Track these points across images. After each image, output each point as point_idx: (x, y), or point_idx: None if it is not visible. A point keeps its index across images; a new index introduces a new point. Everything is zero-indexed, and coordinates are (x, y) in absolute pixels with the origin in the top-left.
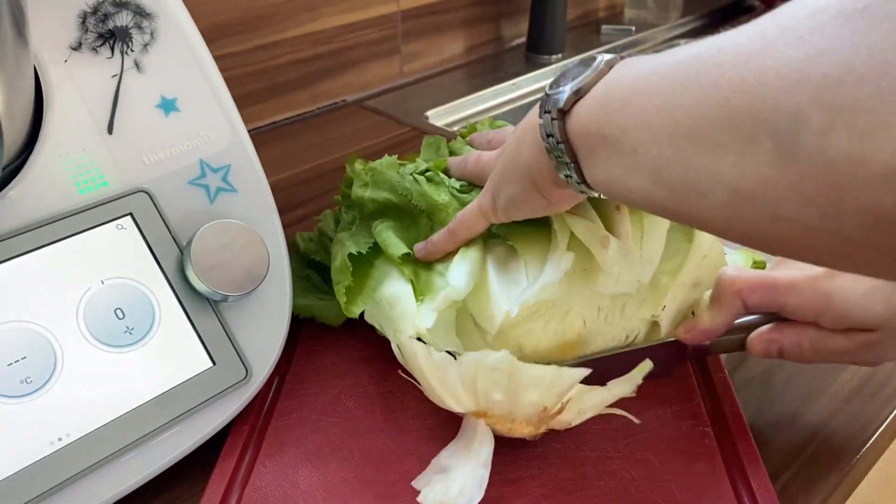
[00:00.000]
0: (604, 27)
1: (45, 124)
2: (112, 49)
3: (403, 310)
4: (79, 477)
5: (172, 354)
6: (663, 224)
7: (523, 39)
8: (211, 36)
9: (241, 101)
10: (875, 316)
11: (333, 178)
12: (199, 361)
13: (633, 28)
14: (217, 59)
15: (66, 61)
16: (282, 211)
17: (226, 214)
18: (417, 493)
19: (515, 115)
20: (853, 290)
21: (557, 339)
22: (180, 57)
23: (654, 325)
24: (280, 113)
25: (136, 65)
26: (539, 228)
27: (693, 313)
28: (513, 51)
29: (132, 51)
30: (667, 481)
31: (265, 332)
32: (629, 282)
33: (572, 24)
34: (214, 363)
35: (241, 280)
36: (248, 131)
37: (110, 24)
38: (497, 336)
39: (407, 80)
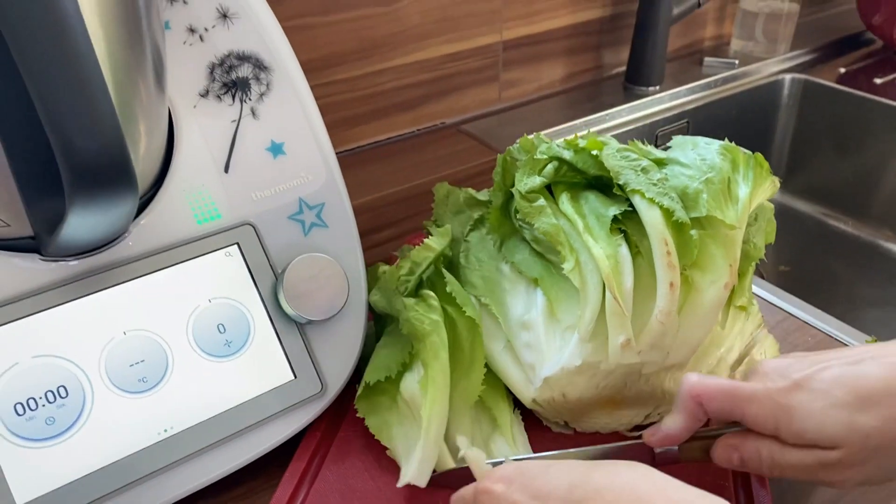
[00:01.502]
0: (706, 59)
1: (174, 162)
2: (233, 97)
3: None
4: (178, 463)
5: (261, 366)
6: (709, 314)
7: (623, 69)
8: (326, 64)
9: (348, 123)
10: (833, 434)
11: (424, 200)
12: (283, 374)
13: (737, 62)
14: (330, 84)
15: (195, 107)
16: (373, 230)
17: (317, 247)
18: None
19: None
20: (812, 405)
21: (599, 393)
22: (290, 106)
23: None
24: (382, 133)
25: (252, 112)
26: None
27: None
28: (612, 80)
29: (250, 99)
30: None
31: (341, 352)
32: (659, 360)
33: (676, 54)
34: (296, 377)
35: (323, 307)
36: (352, 150)
37: (233, 75)
38: (544, 383)
39: (504, 106)
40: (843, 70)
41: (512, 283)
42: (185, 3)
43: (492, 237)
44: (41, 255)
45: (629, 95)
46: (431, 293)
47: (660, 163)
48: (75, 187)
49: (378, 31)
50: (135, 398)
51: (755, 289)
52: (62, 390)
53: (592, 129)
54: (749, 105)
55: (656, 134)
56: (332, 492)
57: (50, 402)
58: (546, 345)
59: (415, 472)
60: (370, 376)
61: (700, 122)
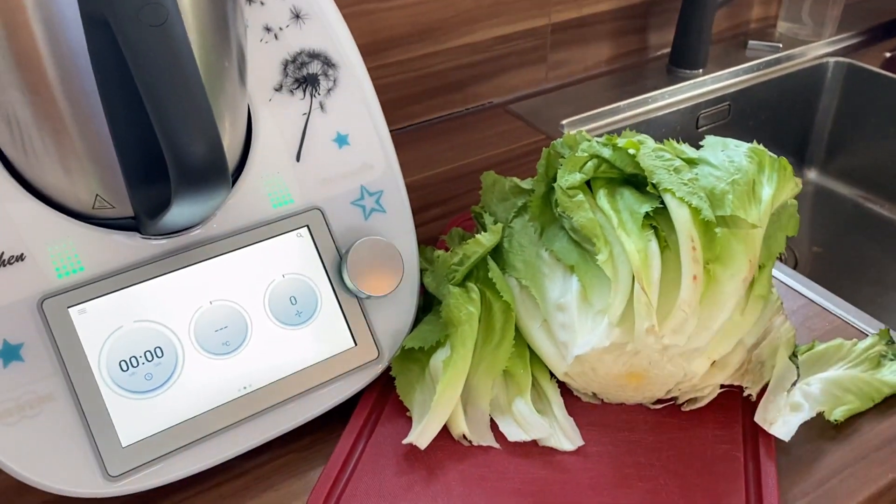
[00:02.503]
0: (750, 42)
1: (253, 151)
2: (304, 92)
3: None
4: (255, 416)
5: (327, 334)
6: (729, 299)
7: (668, 50)
8: (383, 47)
9: (402, 102)
10: None
11: (470, 180)
12: (346, 341)
13: (781, 45)
14: (385, 66)
15: (270, 100)
16: (422, 208)
17: (376, 230)
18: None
19: (650, 128)
20: None
21: (626, 370)
22: (354, 101)
23: (713, 366)
24: (433, 112)
25: (321, 106)
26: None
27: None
28: (656, 61)
29: (319, 94)
30: (693, 493)
31: (395, 324)
32: (681, 344)
33: (721, 36)
34: (356, 344)
35: (381, 285)
36: (404, 128)
37: (305, 72)
38: (576, 359)
39: (551, 86)
40: (888, 54)
41: (550, 269)
42: (262, 3)
43: (533, 225)
44: (140, 233)
45: (672, 78)
46: (474, 286)
47: (691, 162)
48: (181, 184)
49: (432, 16)
50: (219, 359)
51: (779, 275)
52: (158, 351)
53: (635, 112)
54: (791, 89)
55: (698, 116)
56: (387, 445)
57: (148, 361)
58: (579, 325)
59: (418, 435)
60: (408, 342)
61: (741, 105)
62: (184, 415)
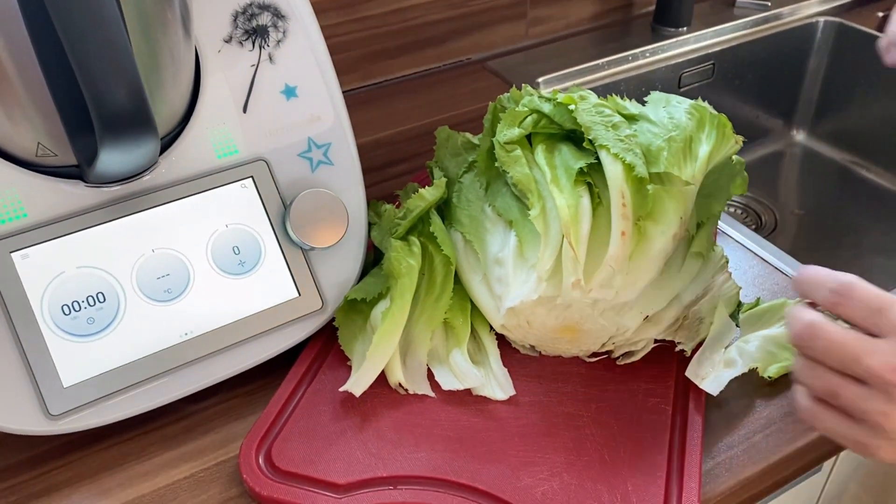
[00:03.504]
0: (738, 0)
1: (200, 101)
2: (253, 43)
3: None
4: (196, 361)
5: (270, 284)
6: (659, 255)
7: (653, 8)
8: (356, 0)
9: (376, 57)
10: None
11: None
12: (289, 291)
13: (770, 3)
14: (360, 20)
15: (219, 51)
16: (390, 163)
17: (322, 182)
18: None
19: (630, 87)
20: None
21: (559, 323)
22: (304, 53)
23: (646, 321)
24: (409, 68)
25: (270, 57)
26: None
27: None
28: (641, 19)
29: (268, 45)
30: (618, 442)
31: (340, 276)
32: (609, 298)
33: None
34: (300, 294)
35: (325, 237)
36: (379, 83)
37: (254, 23)
38: (509, 311)
39: (531, 43)
40: (881, 14)
41: (493, 224)
42: None
43: (479, 180)
44: (84, 181)
45: (656, 36)
46: (416, 240)
47: (631, 118)
48: (104, 131)
49: None
50: (161, 306)
51: (735, 234)
52: (100, 296)
53: (615, 70)
54: (779, 48)
55: (680, 75)
56: (325, 392)
57: (90, 306)
58: (513, 279)
59: (353, 382)
60: (351, 294)
61: (726, 64)
62: (125, 358)
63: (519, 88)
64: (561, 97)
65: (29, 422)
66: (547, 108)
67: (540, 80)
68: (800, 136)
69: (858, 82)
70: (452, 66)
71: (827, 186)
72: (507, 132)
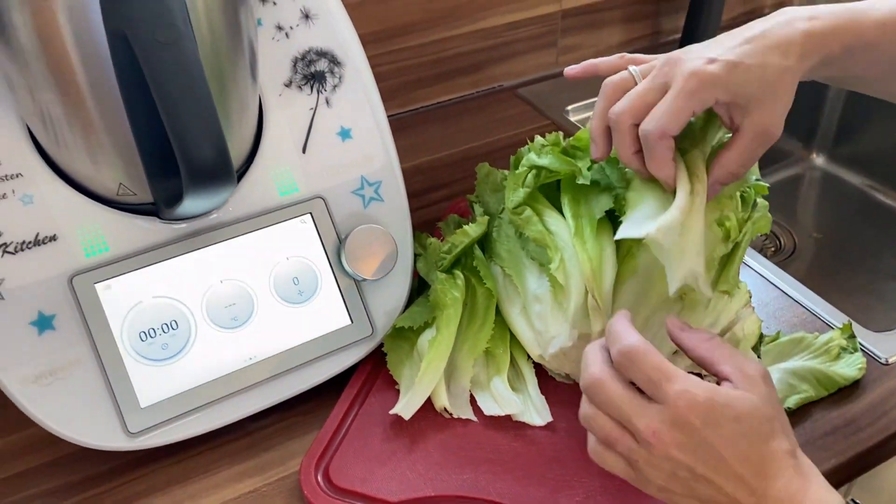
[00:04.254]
0: None
1: (263, 143)
2: (311, 88)
3: None
4: (259, 384)
5: (325, 312)
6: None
7: (679, 35)
8: (398, 33)
9: (414, 85)
10: None
11: (474, 164)
12: (342, 319)
13: None
14: (400, 51)
15: (280, 95)
16: (428, 190)
17: (374, 218)
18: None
19: None
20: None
21: None
22: (358, 97)
23: (675, 354)
24: (444, 95)
25: (327, 101)
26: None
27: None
28: (668, 46)
29: (325, 90)
30: None
31: (389, 304)
32: None
33: (734, 21)
34: (352, 321)
35: (376, 269)
36: (416, 110)
37: (312, 69)
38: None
39: (561, 69)
40: None
41: (530, 261)
42: (274, 3)
43: (513, 226)
44: (160, 218)
45: None
46: (460, 273)
47: None
48: (191, 183)
49: (444, 3)
50: (228, 332)
51: (756, 265)
52: (174, 324)
53: None
54: None
55: None
56: (376, 414)
57: (165, 333)
58: (552, 318)
59: (403, 406)
60: (399, 322)
61: None
62: (195, 381)
63: (548, 116)
64: (565, 141)
65: (110, 438)
66: (545, 161)
67: (569, 107)
68: (819, 159)
69: (877, 108)
70: (485, 94)
71: (845, 210)
72: (513, 197)
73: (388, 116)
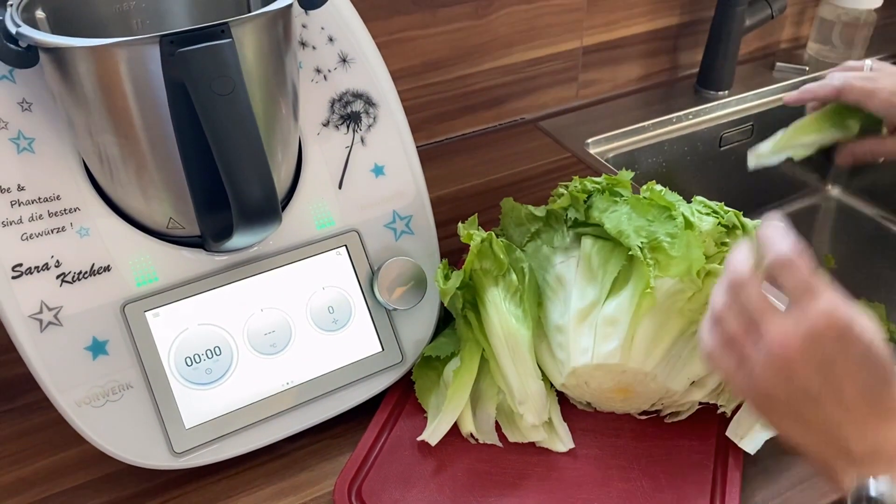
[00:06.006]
0: (778, 64)
1: (302, 179)
2: (348, 127)
3: None
4: (296, 407)
5: (358, 340)
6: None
7: (696, 70)
8: (425, 69)
9: (440, 118)
10: None
11: (498, 195)
12: (374, 346)
13: (808, 68)
14: (426, 86)
15: (318, 134)
16: (452, 220)
17: (404, 250)
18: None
19: (673, 147)
20: None
21: (615, 385)
22: (391, 136)
23: (692, 385)
24: (469, 127)
25: (362, 140)
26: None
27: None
28: (685, 80)
29: (360, 129)
30: (665, 494)
31: (418, 333)
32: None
33: (751, 56)
34: (383, 349)
35: (407, 299)
36: (441, 141)
37: (349, 109)
38: (571, 373)
39: (581, 103)
40: None
41: (553, 292)
42: (314, 48)
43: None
44: (206, 250)
45: (699, 99)
46: (472, 317)
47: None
48: (241, 221)
49: (470, 41)
50: (267, 358)
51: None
52: (217, 350)
53: (658, 132)
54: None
55: (721, 136)
56: (405, 438)
57: (209, 358)
58: (573, 346)
59: (430, 433)
60: (427, 351)
61: (765, 125)
62: (236, 404)
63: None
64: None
65: (157, 457)
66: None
67: (589, 140)
68: (835, 191)
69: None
70: (508, 126)
71: (860, 241)
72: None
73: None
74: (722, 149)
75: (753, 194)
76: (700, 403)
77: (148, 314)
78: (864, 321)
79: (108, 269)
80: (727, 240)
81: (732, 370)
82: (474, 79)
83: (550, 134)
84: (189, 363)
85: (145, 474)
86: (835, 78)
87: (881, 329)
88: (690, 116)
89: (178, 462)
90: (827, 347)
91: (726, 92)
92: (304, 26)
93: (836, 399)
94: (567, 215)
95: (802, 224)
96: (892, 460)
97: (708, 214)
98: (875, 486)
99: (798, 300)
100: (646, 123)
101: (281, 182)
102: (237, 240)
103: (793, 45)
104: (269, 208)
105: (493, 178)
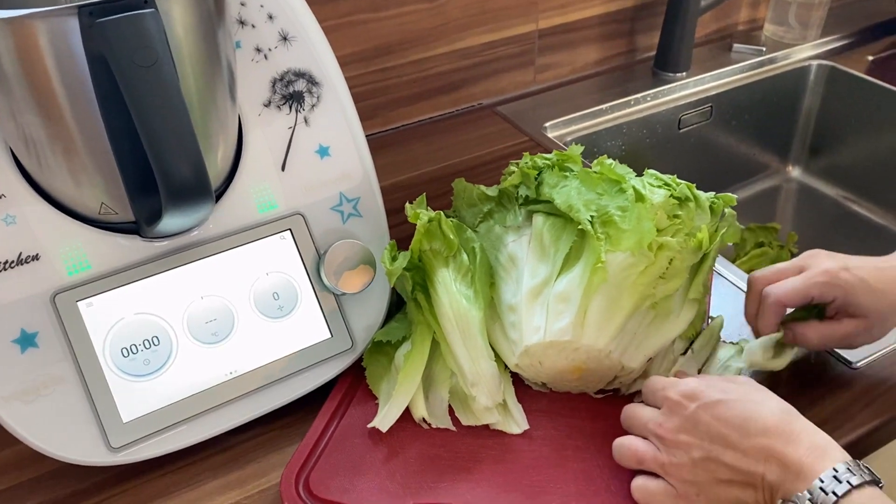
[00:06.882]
0: (735, 46)
1: (242, 161)
2: (290, 107)
3: None
4: (241, 398)
5: (306, 326)
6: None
7: (654, 53)
8: (377, 53)
9: (395, 104)
10: (867, 307)
11: (454, 180)
12: (322, 333)
13: (765, 48)
14: (379, 71)
15: (259, 115)
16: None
17: (352, 233)
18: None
19: (631, 130)
20: (857, 287)
21: (569, 363)
22: (335, 115)
23: (651, 361)
24: (425, 113)
25: (305, 120)
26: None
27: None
28: (642, 63)
29: (303, 109)
30: (622, 473)
31: (368, 318)
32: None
33: (707, 38)
34: (332, 335)
35: (355, 283)
36: (396, 128)
37: (291, 89)
38: (524, 353)
39: (538, 88)
40: (871, 58)
41: (506, 271)
42: (253, 27)
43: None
44: (141, 236)
45: (657, 81)
46: (423, 300)
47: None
48: (169, 201)
49: (422, 25)
50: (209, 347)
51: (729, 275)
52: (155, 339)
53: (617, 114)
54: (774, 90)
55: (679, 117)
56: (356, 426)
57: (146, 349)
58: (525, 325)
59: (380, 419)
60: (378, 337)
61: (724, 106)
62: (177, 395)
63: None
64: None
65: (93, 454)
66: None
67: (547, 124)
68: (795, 172)
69: (850, 122)
70: (465, 112)
71: (822, 220)
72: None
73: (370, 135)
74: (681, 131)
75: (714, 177)
76: None
77: (80, 304)
78: (708, 377)
79: (36, 257)
80: (680, 212)
81: (665, 490)
82: (428, 64)
83: (508, 119)
84: (126, 354)
85: (83, 472)
86: (768, 302)
87: None
88: (648, 98)
89: (116, 458)
90: (688, 409)
91: (684, 74)
92: (242, 4)
93: (726, 445)
94: (518, 193)
95: (765, 205)
96: (800, 479)
97: (660, 187)
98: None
99: (658, 398)
100: (604, 106)
101: (219, 164)
102: (169, 222)
103: (750, 26)
104: (198, 186)
105: (450, 164)
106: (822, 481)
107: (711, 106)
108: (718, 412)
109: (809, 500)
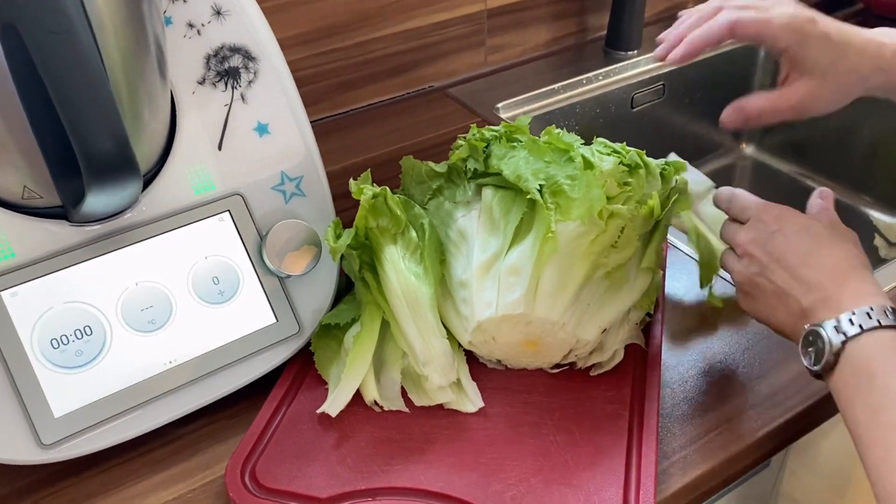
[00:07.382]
0: None
1: (176, 141)
2: (226, 84)
3: None
4: (182, 387)
5: (249, 311)
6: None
7: (605, 32)
8: (323, 34)
9: (343, 87)
10: (820, 65)
11: None
12: (267, 318)
13: None
14: (326, 53)
15: (193, 93)
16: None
17: (296, 213)
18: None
19: (584, 109)
20: (812, 41)
21: (523, 338)
22: (274, 92)
23: (606, 332)
24: (375, 96)
25: (242, 97)
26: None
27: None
28: (594, 43)
29: (240, 86)
30: (580, 447)
31: (315, 301)
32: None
33: (658, 16)
34: (277, 320)
35: (299, 265)
36: (346, 112)
37: (226, 65)
38: (476, 329)
39: (490, 69)
40: None
41: (456, 248)
42: (184, 1)
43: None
44: (69, 221)
45: (608, 60)
46: (371, 279)
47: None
48: (91, 178)
49: (368, 4)
50: (145, 336)
51: (685, 248)
52: (87, 329)
53: (569, 94)
54: (725, 68)
55: (632, 96)
56: (305, 413)
57: (78, 339)
58: (476, 300)
59: (329, 404)
60: (325, 319)
61: (676, 84)
62: (113, 387)
63: (479, 114)
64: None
65: (22, 452)
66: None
67: (499, 105)
68: (749, 149)
69: None
70: (416, 94)
71: (776, 196)
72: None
73: (319, 119)
74: (634, 110)
75: (669, 155)
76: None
77: (4, 294)
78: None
79: None
80: (630, 179)
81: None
82: (376, 45)
83: (460, 100)
84: (56, 345)
85: (13, 472)
86: (721, 17)
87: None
88: (601, 77)
89: (48, 455)
90: (767, 226)
91: (635, 52)
92: None
93: (782, 267)
94: (467, 167)
95: (720, 183)
96: (831, 309)
97: (609, 154)
98: (821, 332)
99: (747, 215)
100: (556, 86)
101: (151, 144)
102: (94, 201)
103: (699, 3)
104: (121, 160)
105: (402, 147)
106: (854, 314)
107: (664, 84)
108: (790, 239)
109: (835, 326)
